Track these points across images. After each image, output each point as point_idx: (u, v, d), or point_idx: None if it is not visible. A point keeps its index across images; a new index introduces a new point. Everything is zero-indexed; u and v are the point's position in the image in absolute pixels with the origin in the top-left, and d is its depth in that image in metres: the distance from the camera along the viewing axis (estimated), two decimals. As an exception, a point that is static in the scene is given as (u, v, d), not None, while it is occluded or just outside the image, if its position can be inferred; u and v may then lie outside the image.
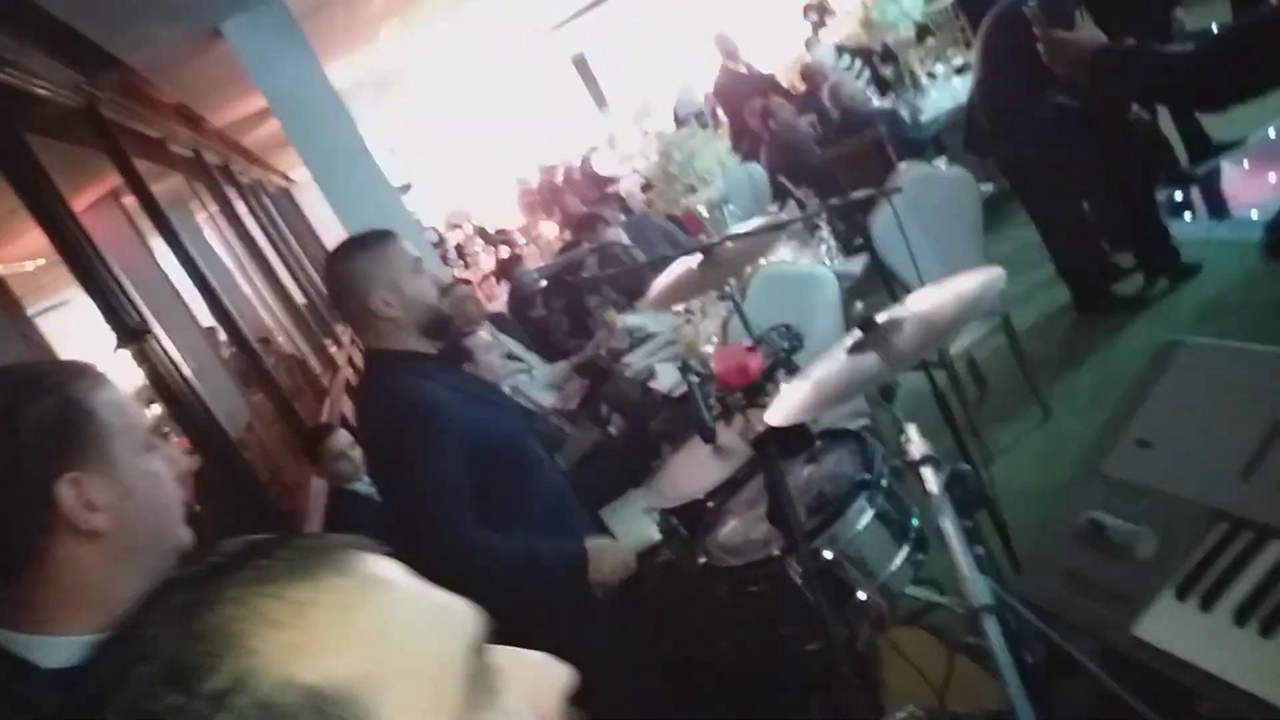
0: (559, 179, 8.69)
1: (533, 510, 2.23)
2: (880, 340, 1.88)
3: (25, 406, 1.05)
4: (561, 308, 5.51)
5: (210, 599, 0.49)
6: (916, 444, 1.32)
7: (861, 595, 2.02)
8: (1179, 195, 4.57)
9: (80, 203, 5.75)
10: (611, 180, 8.11)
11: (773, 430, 2.10)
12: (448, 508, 2.05)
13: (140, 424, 1.18)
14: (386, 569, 0.57)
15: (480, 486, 2.11)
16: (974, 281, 1.93)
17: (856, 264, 3.83)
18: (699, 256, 2.64)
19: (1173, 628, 1.18)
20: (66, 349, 5.12)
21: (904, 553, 2.02)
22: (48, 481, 1.01)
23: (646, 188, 7.08)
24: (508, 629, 0.61)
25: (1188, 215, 4.53)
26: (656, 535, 2.78)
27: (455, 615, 0.57)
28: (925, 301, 1.95)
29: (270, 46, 4.68)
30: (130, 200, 5.62)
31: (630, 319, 4.38)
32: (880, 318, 1.93)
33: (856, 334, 1.92)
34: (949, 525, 1.08)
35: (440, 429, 2.07)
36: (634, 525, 3.07)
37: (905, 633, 2.26)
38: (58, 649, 0.99)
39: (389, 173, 5.66)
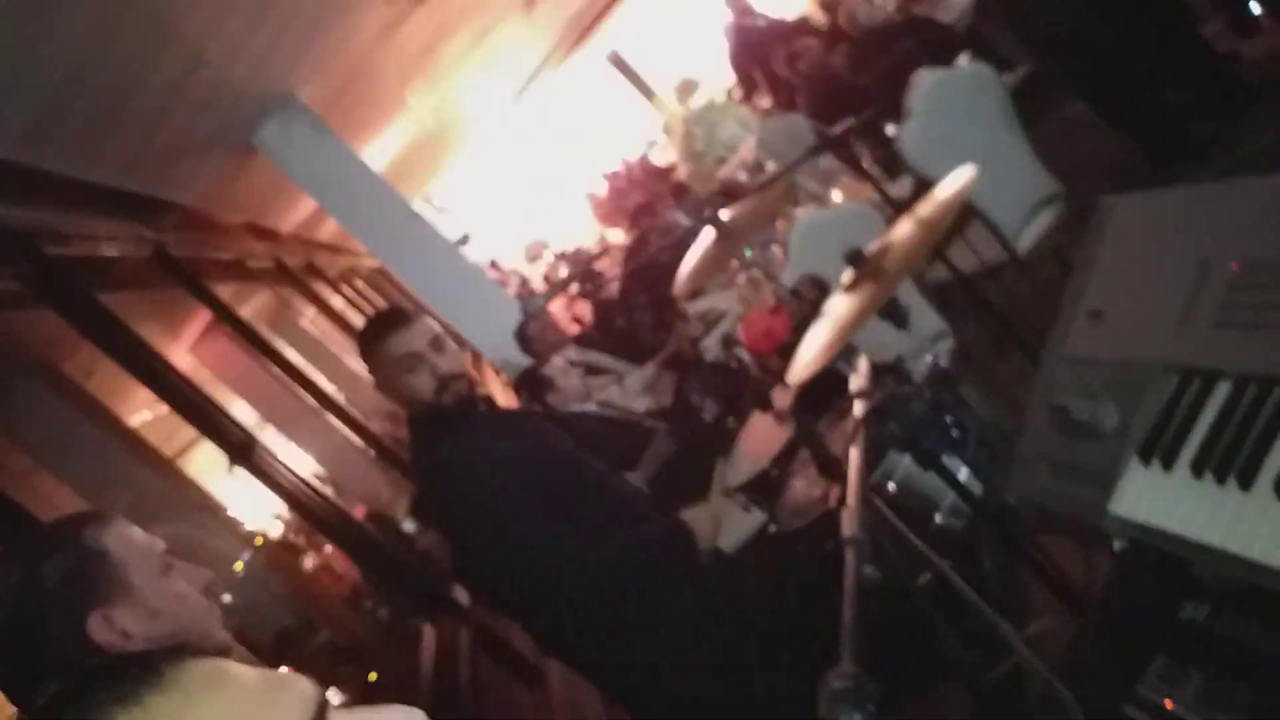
0: (622, 183, 8.74)
1: (605, 519, 2.24)
2: (873, 269, 1.81)
3: (44, 563, 1.16)
4: (645, 304, 5.51)
5: None
6: (857, 377, 1.26)
7: (937, 519, 1.96)
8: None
9: (187, 339, 6.18)
10: (671, 169, 8.09)
11: (802, 387, 2.06)
12: (536, 537, 2.05)
13: (153, 550, 1.27)
14: (211, 670, 0.60)
15: (552, 506, 2.14)
16: (949, 187, 1.84)
17: (904, 186, 3.69)
18: (712, 233, 2.61)
19: (1141, 496, 1.11)
20: (211, 482, 5.48)
21: (964, 468, 1.94)
22: (80, 623, 1.12)
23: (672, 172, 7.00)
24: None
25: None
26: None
27: (287, 703, 0.59)
28: (909, 219, 1.87)
29: (302, 146, 4.90)
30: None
31: (699, 304, 4.36)
32: (870, 247, 1.86)
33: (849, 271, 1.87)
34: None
35: (493, 477, 2.09)
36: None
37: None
38: None
39: (445, 230, 5.82)
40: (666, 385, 4.56)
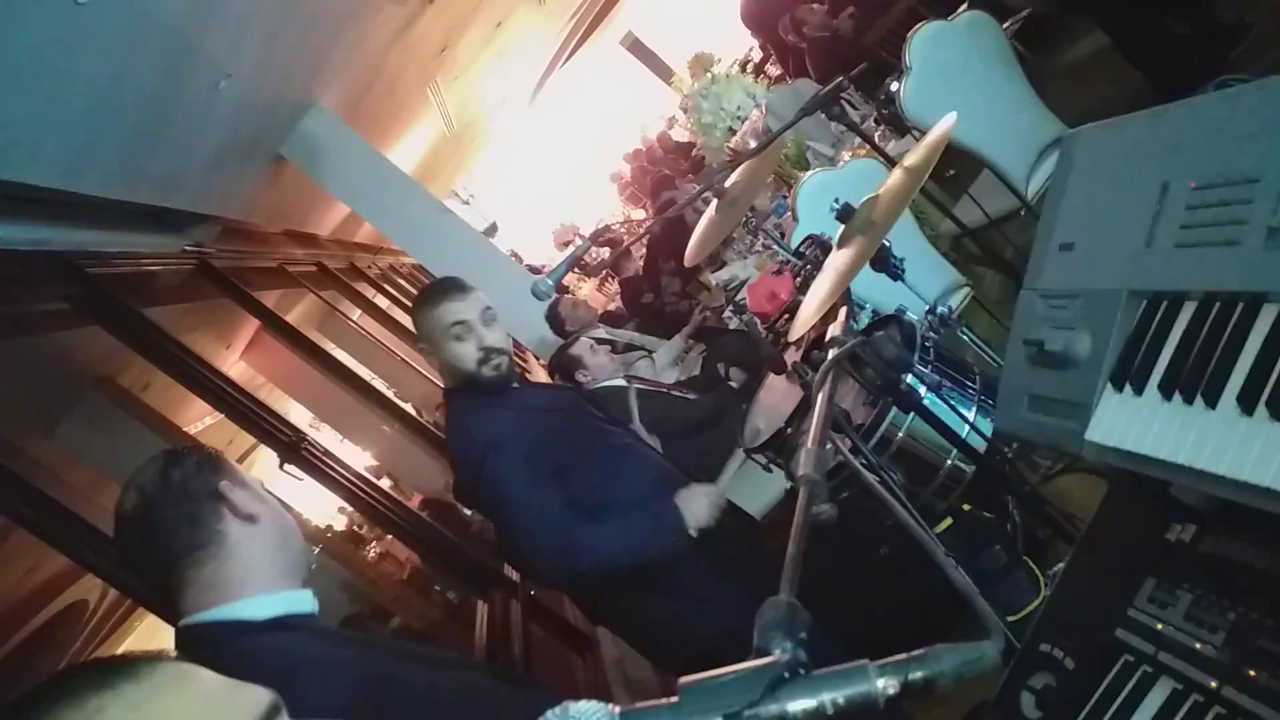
0: (644, 161, 8.75)
1: (627, 489, 2.30)
2: (862, 222, 1.83)
3: (180, 455, 1.41)
4: (672, 270, 5.54)
5: (26, 713, 0.63)
6: (834, 326, 1.29)
7: (948, 463, 1.99)
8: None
9: (238, 347, 6.37)
10: (692, 145, 8.07)
11: (810, 346, 2.09)
12: (543, 523, 2.12)
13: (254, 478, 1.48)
14: (179, 673, 0.69)
15: (568, 484, 2.21)
16: (934, 132, 1.85)
17: (911, 143, 3.66)
18: (715, 202, 2.64)
19: (1115, 422, 1.12)
20: (273, 483, 5.66)
21: (974, 409, 1.96)
22: (214, 487, 1.37)
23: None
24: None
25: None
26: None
27: (237, 710, 0.67)
28: (899, 168, 1.88)
29: (328, 152, 5.01)
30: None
31: (721, 274, 4.38)
32: (860, 201, 1.88)
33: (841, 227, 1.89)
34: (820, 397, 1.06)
35: (509, 458, 2.15)
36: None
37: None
38: (266, 604, 1.31)
39: (473, 221, 5.90)
40: (695, 356, 4.61)
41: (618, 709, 0.60)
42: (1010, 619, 2.26)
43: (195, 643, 1.27)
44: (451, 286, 2.28)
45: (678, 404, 4.00)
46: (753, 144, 4.48)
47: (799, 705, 0.59)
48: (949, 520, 2.25)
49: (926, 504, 2.16)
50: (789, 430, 2.33)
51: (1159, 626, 1.18)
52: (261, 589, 1.33)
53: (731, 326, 4.00)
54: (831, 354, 1.17)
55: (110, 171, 3.58)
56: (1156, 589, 1.21)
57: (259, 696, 0.68)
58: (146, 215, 4.21)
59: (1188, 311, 1.10)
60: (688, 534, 2.14)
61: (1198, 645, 1.12)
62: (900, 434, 2.05)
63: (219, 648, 1.22)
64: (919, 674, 0.60)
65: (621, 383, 3.98)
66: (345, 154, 5.06)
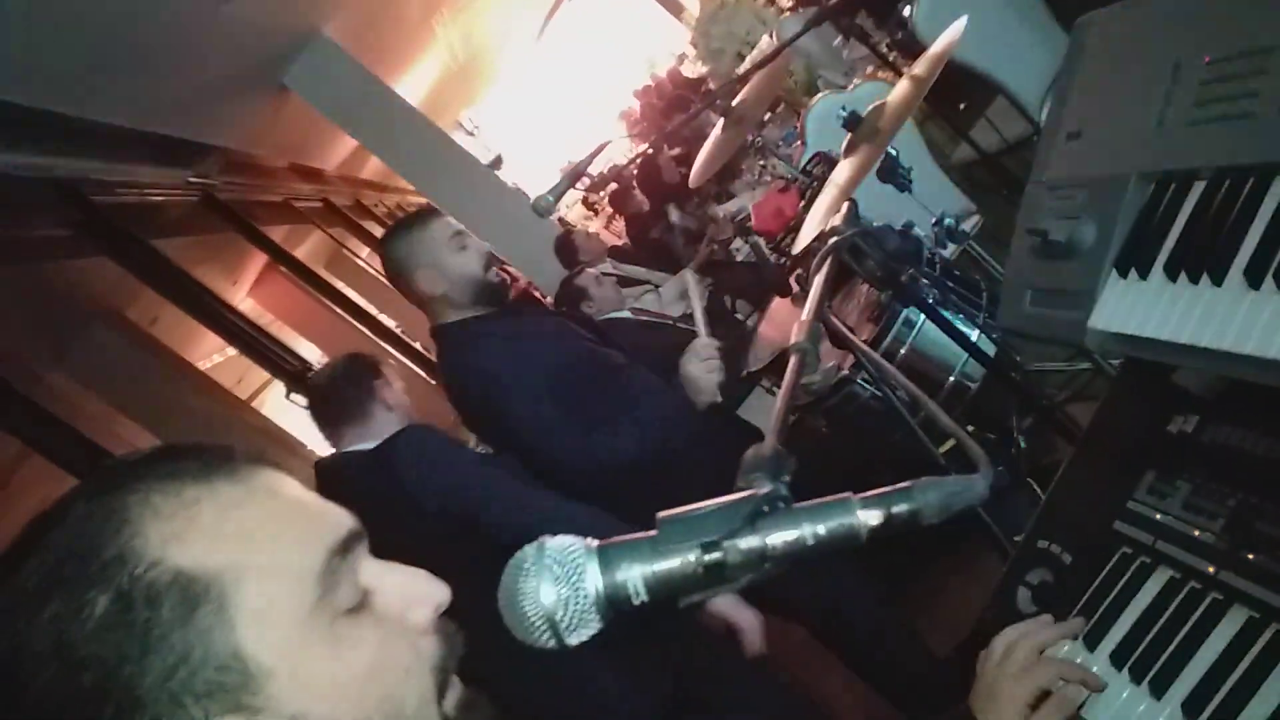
0: (653, 97, 8.62)
1: (631, 408, 2.29)
2: (869, 130, 1.80)
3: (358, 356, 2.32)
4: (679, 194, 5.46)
5: (120, 487, 0.61)
6: (836, 217, 1.27)
7: (951, 379, 1.97)
8: None
9: (245, 283, 6.38)
10: (703, 80, 7.93)
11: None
12: (561, 444, 2.12)
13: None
14: (275, 481, 0.66)
15: (573, 405, 2.19)
16: (944, 38, 1.80)
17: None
18: (721, 122, 2.59)
19: (1119, 307, 1.09)
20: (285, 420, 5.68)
21: (976, 329, 1.94)
22: (374, 373, 2.22)
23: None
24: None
25: None
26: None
27: (325, 525, 0.65)
28: (905, 79, 1.84)
29: (329, 81, 4.94)
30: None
31: (729, 205, 4.33)
32: (866, 109, 1.84)
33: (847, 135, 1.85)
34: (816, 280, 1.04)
35: (514, 387, 2.13)
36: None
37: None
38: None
39: (477, 153, 5.84)
40: (702, 290, 4.58)
41: (595, 543, 0.59)
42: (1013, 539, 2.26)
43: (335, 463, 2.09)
44: (429, 211, 2.32)
45: (683, 335, 3.99)
46: (762, 71, 4.39)
47: (779, 537, 0.58)
48: (951, 440, 2.25)
49: (925, 421, 2.15)
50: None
51: (1158, 516, 1.17)
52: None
53: (739, 259, 3.96)
54: (832, 241, 1.15)
55: (111, 96, 3.54)
56: (1156, 480, 1.19)
57: (344, 519, 0.66)
58: (150, 146, 4.18)
59: (1196, 191, 1.07)
60: (701, 415, 2.14)
61: (1196, 533, 1.11)
62: (904, 349, 2.03)
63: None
64: (903, 506, 0.59)
65: (626, 314, 3.97)
66: (349, 84, 4.99)
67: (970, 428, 2.31)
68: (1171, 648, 1.06)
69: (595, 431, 2.14)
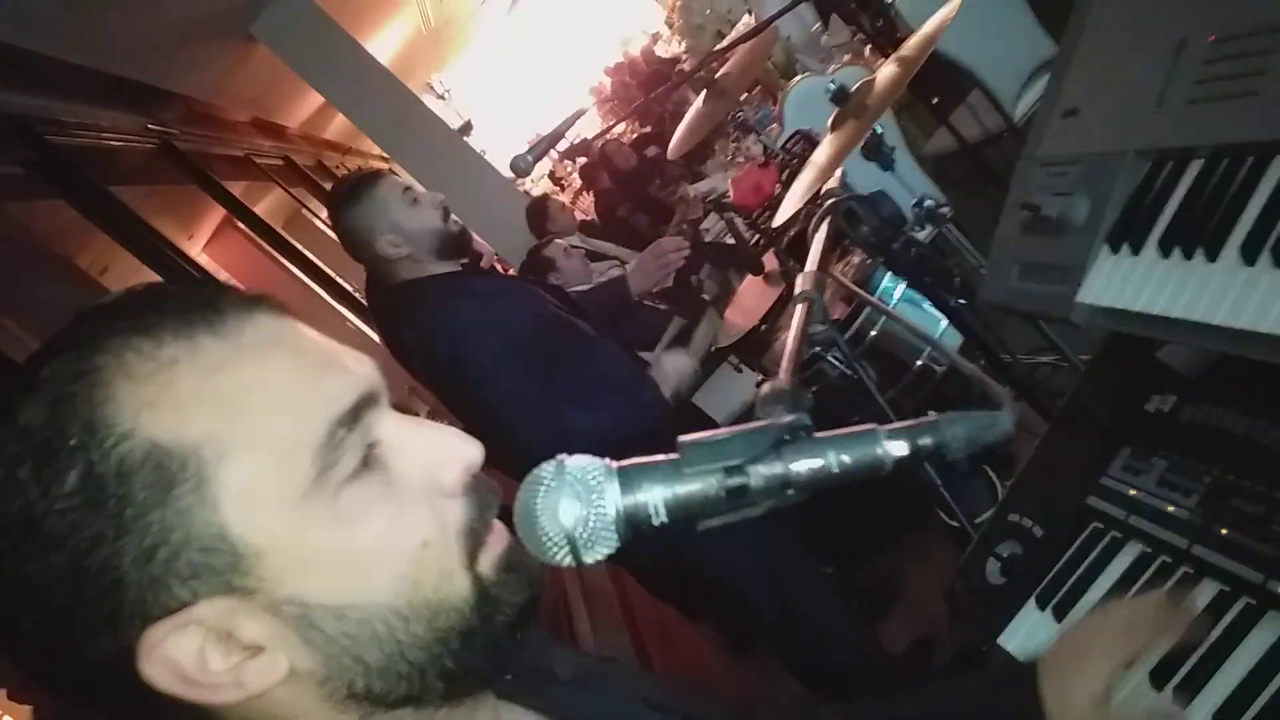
0: (625, 75, 8.58)
1: (603, 384, 2.26)
2: (856, 105, 1.80)
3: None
4: (640, 202, 5.49)
5: (91, 342, 0.53)
6: (830, 181, 1.27)
7: (919, 362, 1.99)
8: None
9: (200, 238, 6.22)
10: (676, 60, 7.91)
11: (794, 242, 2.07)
12: (533, 414, 2.07)
13: None
14: (273, 333, 0.57)
15: (545, 375, 2.16)
16: (932, 20, 1.81)
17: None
18: (703, 94, 2.58)
19: (1109, 282, 1.10)
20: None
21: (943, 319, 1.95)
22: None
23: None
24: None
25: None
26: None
27: (331, 390, 0.56)
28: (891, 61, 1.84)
29: (298, 33, 4.83)
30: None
31: (701, 185, 4.32)
32: (854, 85, 1.84)
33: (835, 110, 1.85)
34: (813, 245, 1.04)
35: (488, 349, 2.08)
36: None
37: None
38: None
39: (447, 117, 5.75)
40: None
41: (615, 464, 0.58)
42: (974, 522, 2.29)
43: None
44: (376, 171, 2.24)
45: (646, 312, 3.98)
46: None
47: (803, 464, 0.57)
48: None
49: (893, 401, 2.16)
50: (762, 328, 2.32)
51: (1131, 492, 1.18)
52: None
53: (708, 240, 3.96)
54: (831, 201, 1.14)
55: (70, 34, 3.41)
56: (1132, 457, 1.21)
57: (358, 379, 0.58)
58: (109, 88, 4.05)
59: (1194, 169, 1.08)
60: (668, 404, 2.15)
61: (1170, 508, 1.13)
62: (874, 331, 2.04)
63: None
64: (929, 439, 0.58)
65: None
66: (318, 38, 4.88)
67: (931, 413, 2.33)
68: (1143, 619, 1.07)
69: (566, 405, 2.11)
